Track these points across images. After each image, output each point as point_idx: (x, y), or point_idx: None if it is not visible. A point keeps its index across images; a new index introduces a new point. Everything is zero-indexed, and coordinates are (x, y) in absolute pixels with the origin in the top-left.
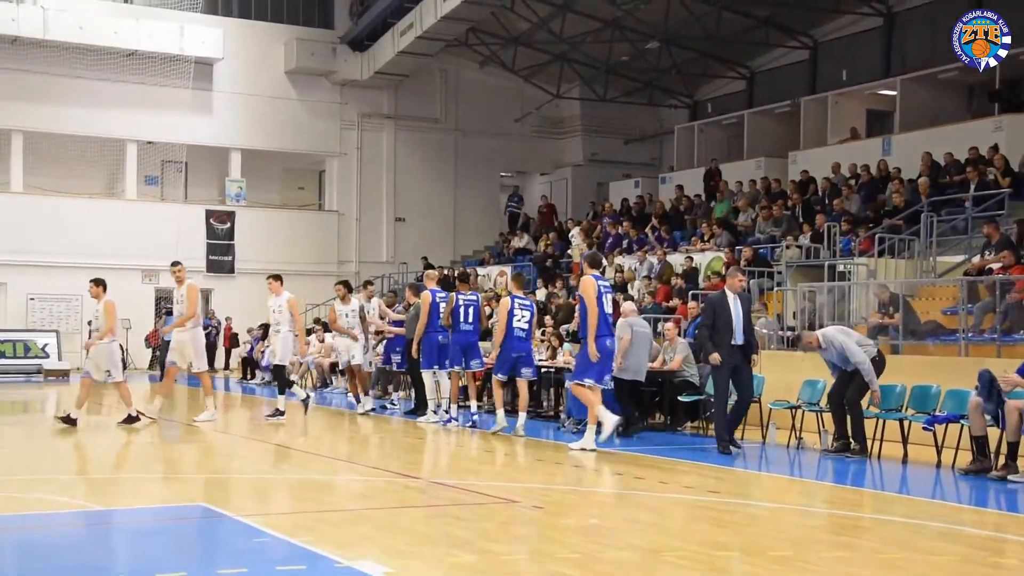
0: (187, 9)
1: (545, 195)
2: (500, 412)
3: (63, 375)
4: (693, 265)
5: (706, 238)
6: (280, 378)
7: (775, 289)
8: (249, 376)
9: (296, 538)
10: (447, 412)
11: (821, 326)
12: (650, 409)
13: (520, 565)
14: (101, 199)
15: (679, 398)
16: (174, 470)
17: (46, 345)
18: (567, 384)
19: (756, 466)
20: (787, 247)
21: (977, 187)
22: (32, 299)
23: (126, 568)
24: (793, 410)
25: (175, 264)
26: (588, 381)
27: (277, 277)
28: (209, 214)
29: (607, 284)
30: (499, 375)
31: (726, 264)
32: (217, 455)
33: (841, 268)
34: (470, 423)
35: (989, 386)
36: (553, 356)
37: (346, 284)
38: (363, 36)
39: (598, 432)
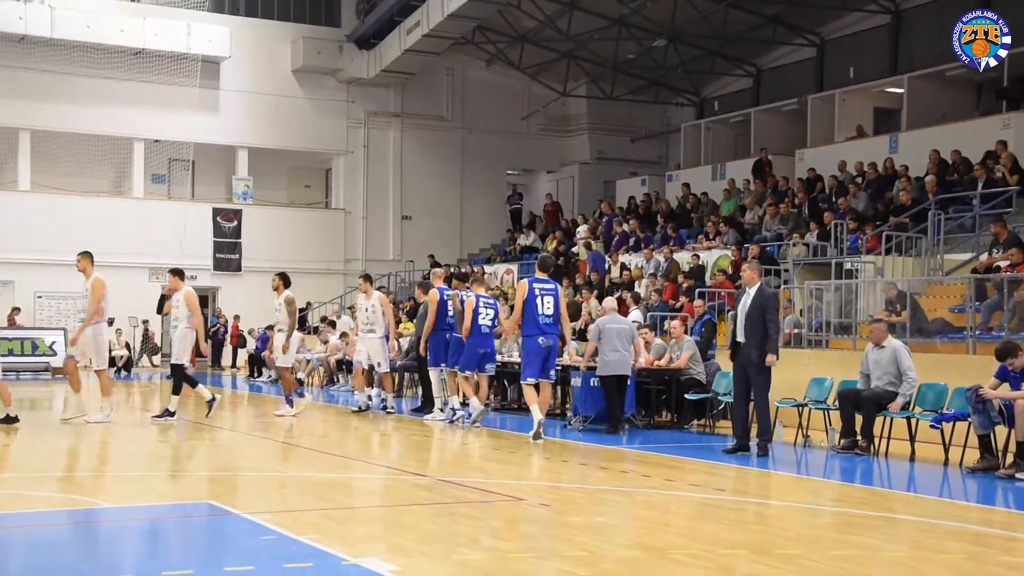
0: (194, 8)
1: (551, 193)
2: (476, 401)
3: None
4: (700, 263)
5: (712, 236)
6: (179, 376)
7: (782, 287)
8: (256, 374)
9: (303, 536)
10: (452, 409)
11: (828, 324)
12: (656, 407)
13: (527, 563)
14: (108, 197)
15: (686, 396)
16: (181, 468)
17: (53, 343)
18: (573, 382)
19: (763, 464)
20: (793, 245)
21: (985, 185)
22: (40, 297)
23: (133, 566)
24: (800, 408)
25: (80, 254)
26: (531, 379)
27: (176, 272)
28: (216, 212)
29: (550, 287)
30: (466, 371)
31: (733, 262)
32: (223, 452)
33: (848, 266)
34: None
35: (977, 402)
36: (559, 354)
37: (282, 276)
38: (370, 34)
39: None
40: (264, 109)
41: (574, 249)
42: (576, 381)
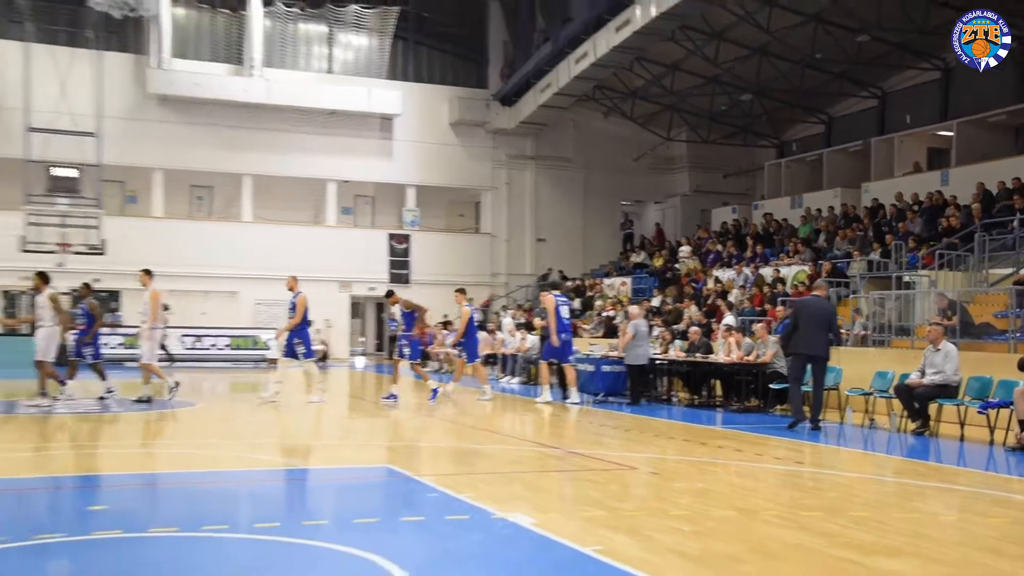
0: (374, 76)
1: (658, 222)
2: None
3: None
4: (780, 276)
5: (792, 254)
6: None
7: (850, 296)
8: (423, 365)
9: (461, 494)
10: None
11: (890, 326)
12: (746, 395)
13: (641, 520)
14: (308, 226)
15: (770, 386)
16: (364, 439)
17: (269, 340)
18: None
19: (835, 442)
20: (855, 261)
21: (1023, 211)
22: (258, 304)
23: (330, 514)
24: (866, 396)
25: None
26: (553, 361)
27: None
28: (391, 237)
29: (564, 298)
30: (475, 361)
31: (810, 276)
32: (399, 427)
33: (907, 279)
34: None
35: None
36: (666, 350)
37: (41, 275)
38: (511, 93)
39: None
40: (427, 155)
41: (676, 265)
42: (587, 367)
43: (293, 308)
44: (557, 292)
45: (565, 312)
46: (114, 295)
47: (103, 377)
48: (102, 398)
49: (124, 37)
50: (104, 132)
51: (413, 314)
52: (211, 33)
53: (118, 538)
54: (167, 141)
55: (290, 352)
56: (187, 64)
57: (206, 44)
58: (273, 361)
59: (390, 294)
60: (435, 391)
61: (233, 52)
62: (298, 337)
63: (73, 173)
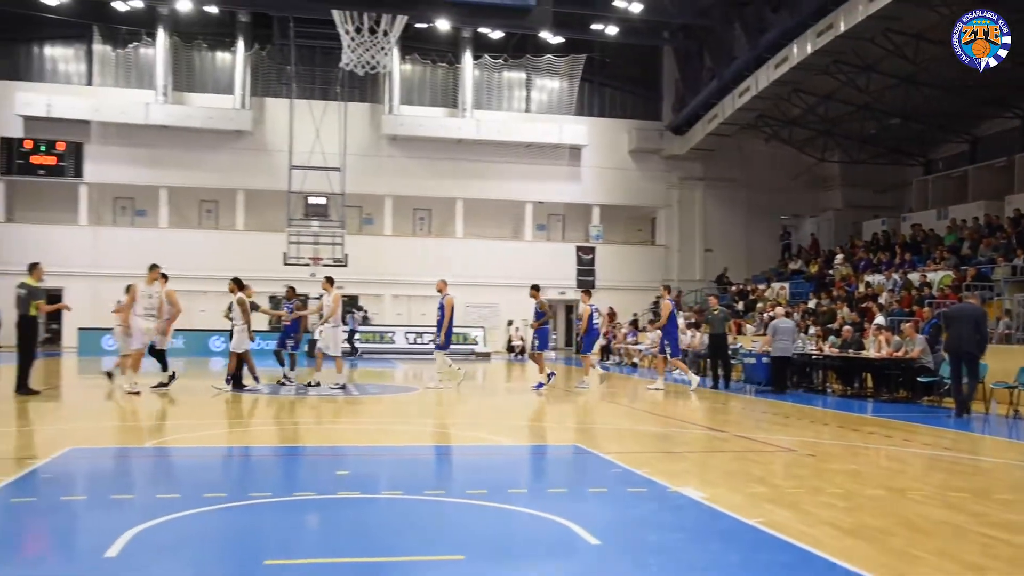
0: (564, 113)
1: (813, 232)
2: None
3: (486, 356)
4: (927, 281)
5: (938, 261)
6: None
7: (995, 299)
8: (605, 358)
9: (639, 469)
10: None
11: None
12: (896, 387)
13: (798, 496)
14: (509, 241)
15: (918, 379)
16: (557, 421)
17: (476, 336)
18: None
19: (981, 430)
20: (999, 266)
21: None
22: (468, 307)
23: (525, 483)
24: (1011, 389)
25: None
26: (670, 354)
27: (237, 281)
28: (578, 249)
29: (675, 302)
30: (586, 353)
31: (954, 280)
32: (584, 412)
33: None
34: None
35: None
36: (820, 347)
37: (236, 281)
38: (682, 124)
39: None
40: (610, 178)
41: (831, 271)
42: (751, 360)
43: (441, 308)
44: (671, 296)
45: (680, 315)
46: (354, 299)
47: (292, 367)
48: (282, 382)
49: (364, 90)
50: (347, 167)
51: (543, 314)
52: (431, 83)
53: (357, 498)
54: (395, 173)
55: (446, 345)
56: (412, 109)
57: (427, 92)
58: (483, 355)
59: (536, 288)
60: (541, 384)
61: (449, 97)
62: (441, 331)
63: (323, 201)
